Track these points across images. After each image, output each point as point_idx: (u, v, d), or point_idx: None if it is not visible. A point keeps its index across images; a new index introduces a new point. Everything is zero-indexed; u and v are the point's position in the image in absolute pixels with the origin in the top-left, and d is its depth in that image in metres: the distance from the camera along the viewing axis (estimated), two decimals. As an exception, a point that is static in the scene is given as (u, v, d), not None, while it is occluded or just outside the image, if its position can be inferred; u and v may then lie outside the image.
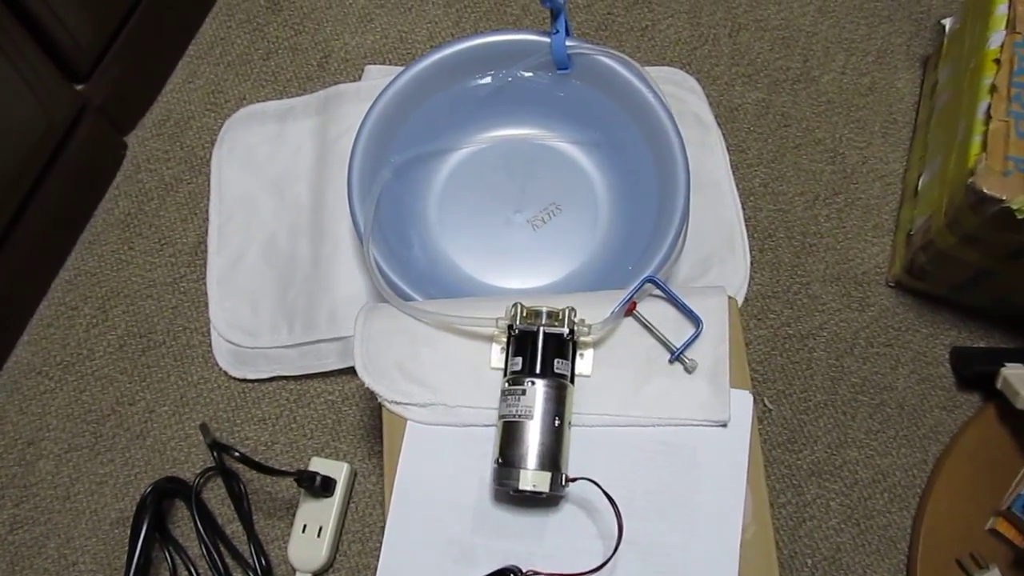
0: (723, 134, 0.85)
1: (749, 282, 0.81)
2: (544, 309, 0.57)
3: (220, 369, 0.79)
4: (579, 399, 0.58)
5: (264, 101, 0.88)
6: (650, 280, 0.61)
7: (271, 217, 0.83)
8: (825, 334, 0.80)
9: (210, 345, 0.80)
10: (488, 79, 0.79)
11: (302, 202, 0.84)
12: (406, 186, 0.79)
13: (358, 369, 0.61)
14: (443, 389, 0.60)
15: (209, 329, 0.80)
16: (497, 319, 0.58)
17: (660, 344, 0.60)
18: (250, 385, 0.79)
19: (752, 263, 0.82)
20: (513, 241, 0.79)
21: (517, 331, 0.56)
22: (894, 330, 0.80)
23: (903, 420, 0.77)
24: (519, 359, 0.56)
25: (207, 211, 0.84)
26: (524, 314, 0.57)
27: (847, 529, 0.74)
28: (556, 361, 0.55)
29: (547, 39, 0.75)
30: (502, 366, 0.59)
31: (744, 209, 0.83)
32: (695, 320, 0.60)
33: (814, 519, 0.74)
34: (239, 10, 0.93)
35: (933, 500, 0.74)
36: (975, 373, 0.77)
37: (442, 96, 0.79)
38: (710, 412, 0.59)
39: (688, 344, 0.59)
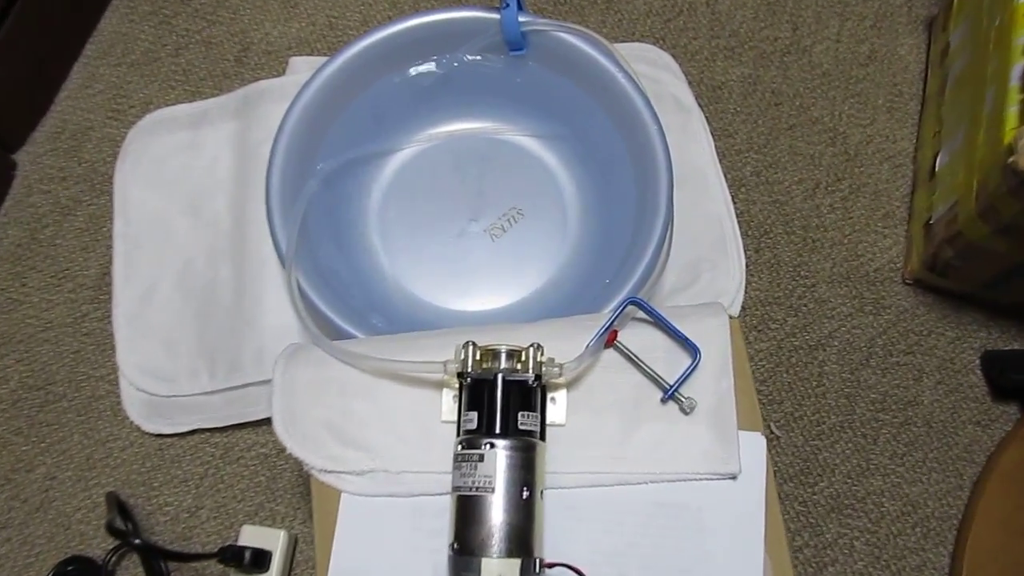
0: (706, 117, 0.74)
1: (745, 287, 0.70)
2: (503, 349, 0.45)
3: (132, 423, 0.67)
4: (553, 455, 0.47)
5: (174, 104, 0.76)
6: (633, 302, 0.50)
7: (186, 240, 0.71)
8: (836, 343, 0.69)
9: (119, 395, 0.68)
10: (430, 66, 0.67)
11: (222, 221, 0.72)
12: (339, 197, 0.67)
13: (277, 431, 0.49)
14: (384, 451, 0.48)
15: (117, 377, 0.68)
16: (446, 362, 0.46)
17: (650, 380, 0.49)
18: (168, 440, 0.67)
19: (748, 265, 0.70)
20: (469, 255, 0.67)
21: (470, 380, 0.45)
22: (915, 335, 0.69)
23: (932, 440, 0.66)
24: (473, 415, 0.44)
25: (111, 237, 0.72)
26: (478, 356, 0.45)
27: (875, 572, 0.63)
28: (521, 415, 0.44)
29: (496, 15, 0.64)
30: (455, 418, 0.47)
31: (735, 203, 0.72)
32: (691, 349, 0.49)
33: (836, 563, 0.63)
34: (143, 1, 0.80)
35: (973, 533, 0.63)
36: (1011, 380, 0.67)
37: (377, 89, 0.67)
38: (715, 462, 0.47)
39: (684, 379, 0.48)
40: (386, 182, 0.69)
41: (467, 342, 0.46)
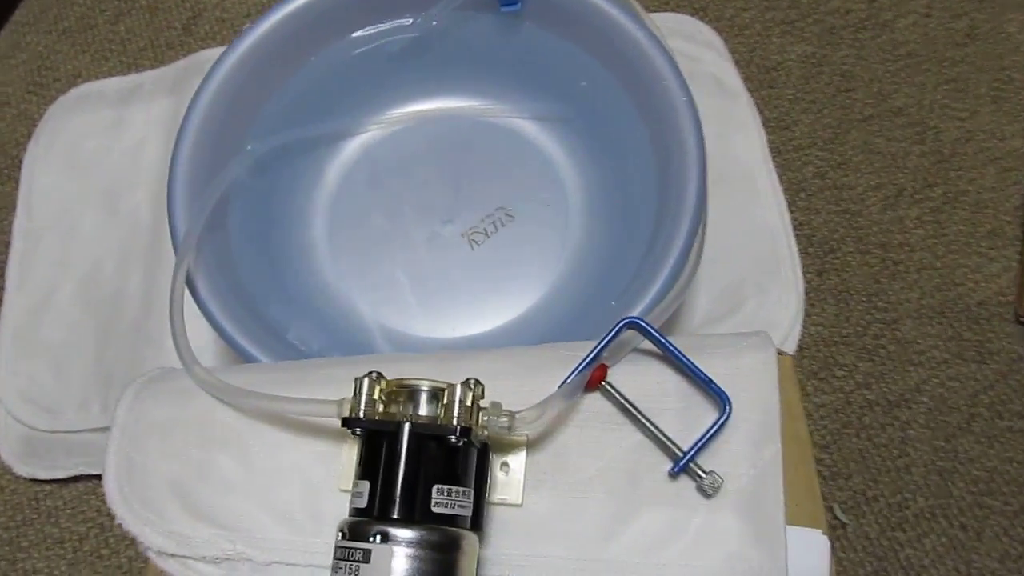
0: (757, 105, 0.58)
1: (803, 321, 0.53)
2: (423, 386, 0.29)
3: (3, 464, 0.53)
4: (499, 554, 0.31)
5: (106, 78, 0.63)
6: (632, 324, 0.33)
7: (96, 239, 0.57)
8: (926, 400, 0.51)
9: (-8, 429, 0.53)
10: (399, 26, 0.53)
11: (141, 218, 0.58)
12: (276, 189, 0.52)
13: (107, 491, 0.34)
14: (250, 531, 0.32)
15: (-6, 405, 0.54)
16: (341, 402, 0.31)
17: (654, 443, 0.33)
18: (45, 488, 0.52)
19: (807, 292, 0.54)
20: (441, 266, 0.52)
21: (363, 431, 0.29)
22: (1034, 392, 0.51)
23: (1060, 537, 0.48)
24: (365, 487, 0.28)
25: (10, 233, 0.58)
26: (378, 395, 0.30)
27: None
28: (437, 491, 0.28)
29: None
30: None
31: (792, 211, 0.56)
32: (718, 398, 0.32)
33: None
34: (87, -39, 0.68)
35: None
36: None
37: (330, 54, 0.52)
38: (750, 572, 0.31)
39: (705, 442, 0.32)
40: (339, 172, 0.54)
41: (371, 372, 0.30)
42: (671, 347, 0.33)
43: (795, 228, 0.55)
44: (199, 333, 0.46)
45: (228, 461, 0.33)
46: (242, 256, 0.48)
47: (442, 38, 0.53)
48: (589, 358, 0.33)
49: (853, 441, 0.51)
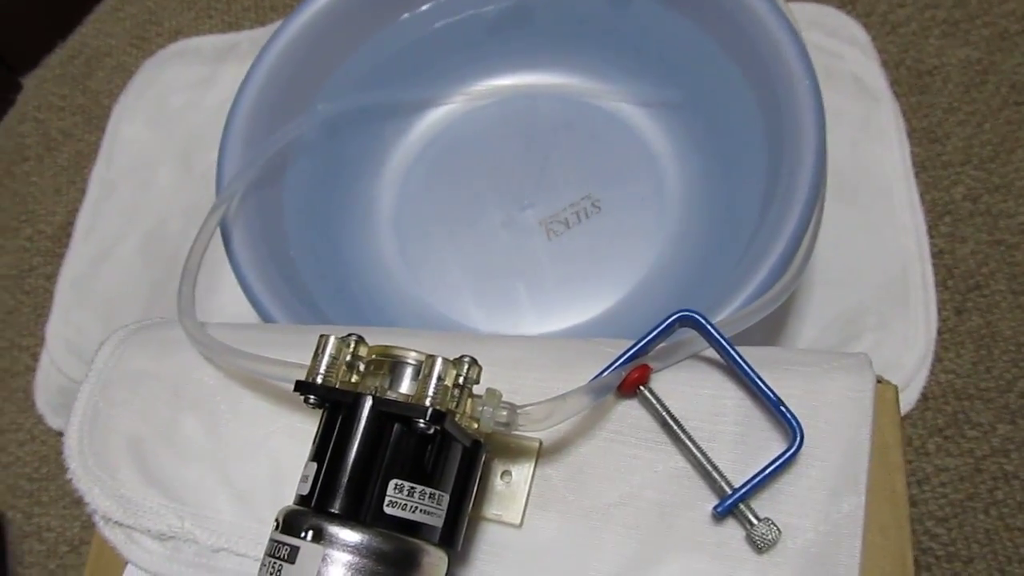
0: (902, 112, 0.50)
1: (932, 365, 0.44)
2: (409, 358, 0.24)
3: (37, 413, 0.50)
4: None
5: (206, 35, 0.61)
6: (686, 317, 0.27)
7: (167, 195, 0.55)
8: (1082, 481, 0.41)
9: (35, 375, 0.52)
10: (500, -9, 0.48)
11: (212, 178, 0.55)
12: (345, 155, 0.48)
13: (67, 442, 0.30)
14: (201, 507, 0.28)
15: (42, 351, 0.52)
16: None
17: (698, 473, 0.26)
18: (74, 446, 0.50)
19: (940, 332, 0.45)
20: (512, 255, 0.46)
21: (321, 397, 0.23)
22: None
23: None
24: (312, 468, 0.23)
25: (88, 180, 0.57)
26: (352, 359, 0.24)
27: None
28: (393, 487, 0.22)
29: None
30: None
31: (932, 237, 0.47)
32: (788, 425, 0.25)
33: None
34: (209, -77, 0.67)
35: None
36: None
37: (422, 15, 0.48)
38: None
39: (762, 481, 0.24)
40: (414, 144, 0.50)
41: (351, 334, 0.24)
42: (733, 352, 0.26)
43: (934, 256, 0.46)
44: (242, 299, 0.42)
45: (194, 424, 0.29)
46: (292, 219, 0.44)
47: (545, 7, 0.48)
48: (629, 354, 0.26)
49: (980, 519, 0.41)
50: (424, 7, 0.48)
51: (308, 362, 0.25)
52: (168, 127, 0.57)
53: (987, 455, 0.42)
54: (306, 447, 0.27)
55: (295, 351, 0.27)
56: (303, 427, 0.28)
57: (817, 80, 0.40)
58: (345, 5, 0.46)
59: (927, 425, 0.43)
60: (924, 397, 0.43)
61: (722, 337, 0.26)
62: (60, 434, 0.50)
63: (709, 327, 0.26)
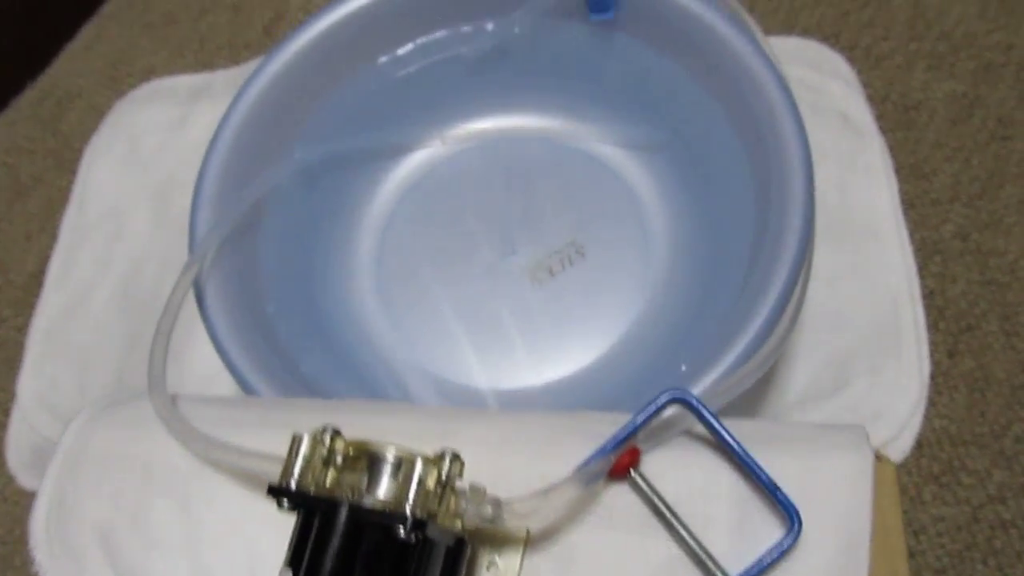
0: (889, 147, 0.49)
1: (926, 411, 0.43)
2: (388, 454, 0.23)
3: (7, 473, 0.49)
4: None
5: (179, 75, 0.60)
6: (680, 400, 0.26)
7: (142, 240, 0.54)
8: (1080, 528, 0.41)
9: (6, 432, 0.50)
10: (477, 32, 0.47)
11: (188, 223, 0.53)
12: (323, 203, 0.47)
13: (32, 529, 0.29)
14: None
15: (13, 406, 0.51)
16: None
17: (691, 561, 0.25)
18: (48, 506, 0.48)
19: (933, 376, 0.44)
20: (496, 304, 0.45)
21: (295, 503, 0.22)
22: None
23: None
24: (288, 575, 0.22)
25: (60, 227, 0.56)
26: (330, 456, 0.23)
27: None
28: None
29: None
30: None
31: (923, 277, 0.46)
32: (785, 511, 0.24)
33: None
34: (182, -43, 0.66)
35: None
36: None
37: (397, 58, 0.47)
38: None
39: (762, 572, 0.23)
40: (394, 189, 0.49)
41: (326, 427, 0.23)
42: (727, 436, 0.25)
43: (924, 297, 0.45)
44: (216, 358, 0.41)
45: (166, 510, 0.27)
46: (269, 273, 0.43)
47: (523, 48, 0.47)
48: (619, 438, 0.25)
49: (979, 569, 0.40)
50: (401, 50, 0.47)
51: (278, 444, 0.24)
52: (142, 170, 0.56)
53: (984, 503, 0.42)
54: (285, 535, 0.26)
55: (272, 432, 0.26)
56: (281, 515, 0.27)
57: (804, 127, 0.39)
58: (320, 49, 0.45)
59: (922, 473, 0.42)
60: (919, 444, 0.43)
61: (714, 418, 0.25)
62: (34, 494, 0.48)
63: (700, 408, 0.25)
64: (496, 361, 0.44)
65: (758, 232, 0.40)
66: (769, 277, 0.36)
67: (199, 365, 0.47)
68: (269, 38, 0.61)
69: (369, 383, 0.43)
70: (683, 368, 0.38)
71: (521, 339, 0.44)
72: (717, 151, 0.44)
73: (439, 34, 0.47)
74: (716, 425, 0.25)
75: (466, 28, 0.47)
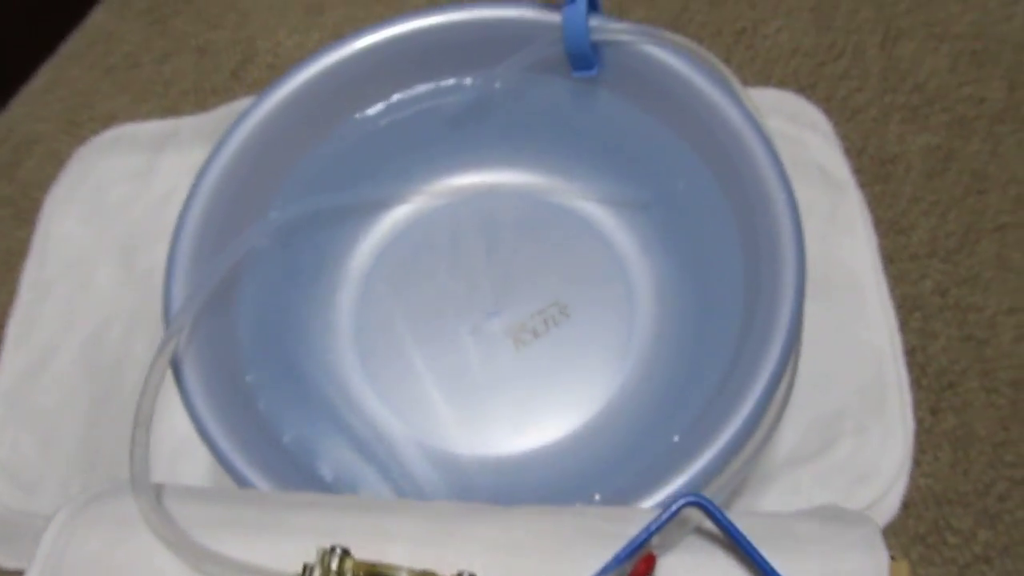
0: (868, 202, 0.50)
1: (911, 470, 0.43)
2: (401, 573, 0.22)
3: (-33, 548, 0.46)
4: None
5: (143, 121, 0.58)
6: (696, 503, 0.25)
7: (107, 297, 0.52)
8: (1065, 588, 0.41)
9: (-35, 504, 0.48)
10: (458, 87, 0.46)
11: (157, 279, 0.51)
12: (300, 264, 0.46)
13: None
14: None
15: (-29, 476, 0.48)
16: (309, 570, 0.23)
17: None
18: (8, 581, 0.46)
19: (917, 434, 0.44)
20: (480, 368, 0.44)
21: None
22: None
23: None
24: None
25: (19, 282, 0.53)
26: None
27: None
28: None
29: (555, 16, 0.43)
30: None
31: (904, 333, 0.46)
32: (803, 621, 0.24)
33: None
34: (144, -3, 0.64)
35: None
36: None
37: (376, 114, 0.46)
38: None
39: None
40: (372, 248, 0.47)
41: (333, 547, 0.22)
42: (743, 541, 0.24)
43: (907, 354, 0.46)
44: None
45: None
46: (246, 338, 0.42)
47: (504, 104, 0.47)
48: (634, 545, 0.25)
49: (968, 632, 0.41)
50: (380, 104, 0.47)
51: (276, 552, 0.23)
52: (105, 222, 0.54)
53: (970, 563, 0.42)
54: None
55: (269, 537, 0.25)
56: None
57: (791, 190, 0.39)
58: (295, 108, 0.44)
59: (909, 533, 0.43)
60: (904, 504, 0.43)
61: (730, 524, 0.25)
62: (-6, 571, 0.46)
63: (717, 514, 0.24)
64: (480, 427, 0.43)
65: (748, 292, 0.40)
66: (767, 343, 0.36)
67: (175, 431, 0.45)
68: (237, 82, 0.59)
69: (355, 451, 0.42)
70: (676, 439, 0.38)
71: (507, 404, 0.43)
72: (703, 208, 0.43)
73: (419, 88, 0.47)
74: (732, 529, 0.25)
75: (447, 82, 0.47)
